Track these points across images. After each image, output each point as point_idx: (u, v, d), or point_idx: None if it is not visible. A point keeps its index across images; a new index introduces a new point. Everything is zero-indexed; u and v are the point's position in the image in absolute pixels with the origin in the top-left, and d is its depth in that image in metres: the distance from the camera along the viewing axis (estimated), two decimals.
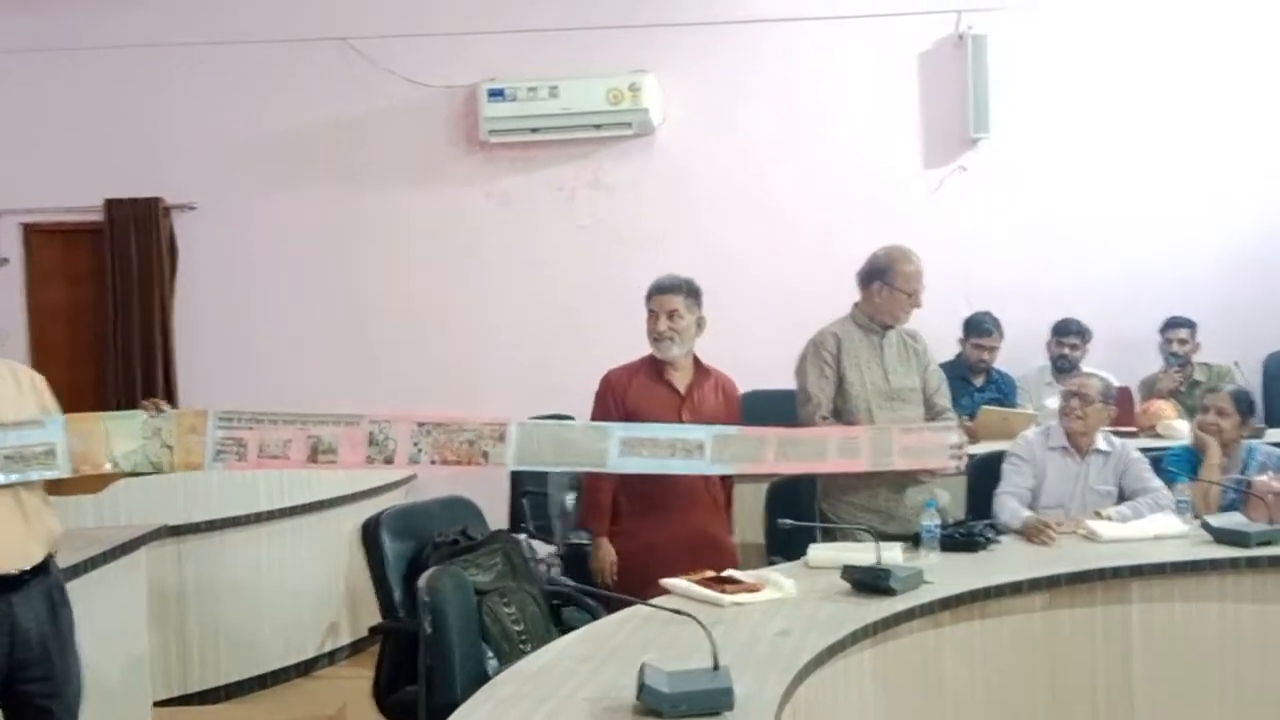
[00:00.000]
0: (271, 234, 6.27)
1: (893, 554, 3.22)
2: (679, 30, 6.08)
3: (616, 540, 3.66)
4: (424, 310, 6.21)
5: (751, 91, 6.11)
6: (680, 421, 3.54)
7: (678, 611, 2.50)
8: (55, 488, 2.81)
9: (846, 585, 3.06)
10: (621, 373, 3.72)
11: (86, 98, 6.26)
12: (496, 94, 5.93)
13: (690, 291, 3.68)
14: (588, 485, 3.80)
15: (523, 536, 3.78)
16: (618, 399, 3.61)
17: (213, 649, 4.65)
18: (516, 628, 3.23)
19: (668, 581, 3.09)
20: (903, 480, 3.63)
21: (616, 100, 5.88)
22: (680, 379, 3.70)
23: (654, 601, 2.76)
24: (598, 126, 6.00)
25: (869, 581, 3.03)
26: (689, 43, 6.08)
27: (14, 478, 2.64)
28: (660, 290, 3.67)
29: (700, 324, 3.69)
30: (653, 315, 3.66)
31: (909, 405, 3.72)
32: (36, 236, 6.41)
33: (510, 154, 6.16)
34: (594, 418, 3.63)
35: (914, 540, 3.43)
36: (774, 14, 6.07)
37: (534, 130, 6.01)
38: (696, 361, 3.73)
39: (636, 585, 3.10)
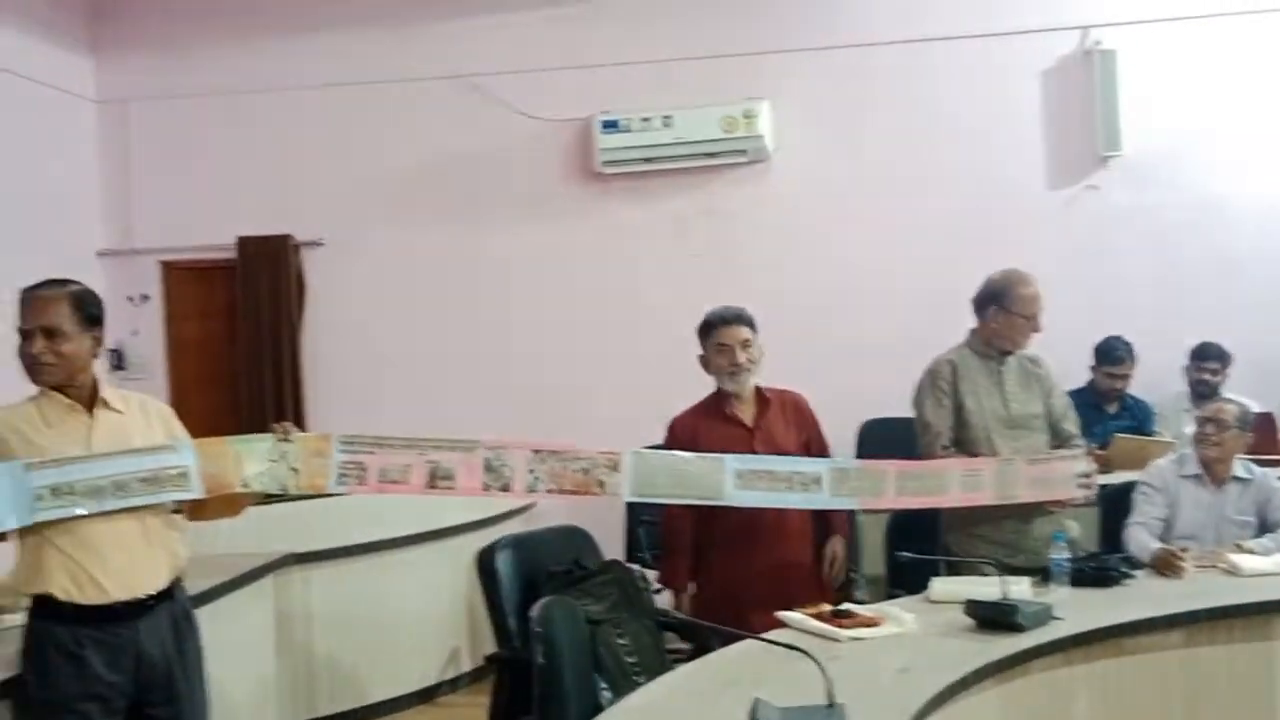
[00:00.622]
0: (394, 267, 6.41)
1: (1020, 588, 3.11)
2: (793, 56, 6.05)
3: (703, 577, 3.59)
4: (541, 341, 6.26)
5: (868, 115, 6.04)
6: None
7: (792, 647, 2.44)
8: (198, 512, 2.91)
9: (970, 621, 2.97)
10: (687, 417, 3.66)
11: (222, 141, 6.51)
12: (610, 125, 5.98)
13: (752, 320, 3.63)
14: (666, 544, 3.72)
15: (636, 566, 3.74)
16: (686, 446, 3.48)
17: (338, 675, 4.73)
18: (630, 659, 3.21)
19: (782, 615, 3.04)
20: (1030, 511, 3.50)
21: (730, 128, 5.87)
22: (746, 412, 3.62)
23: (768, 635, 2.70)
24: (712, 155, 6.00)
25: (994, 617, 2.93)
26: (803, 68, 6.04)
27: (150, 499, 2.74)
28: (727, 322, 3.60)
29: (761, 351, 3.64)
30: (724, 349, 3.57)
31: (1032, 433, 3.60)
32: (175, 274, 6.67)
33: (625, 185, 6.20)
34: None
35: (1042, 574, 3.31)
36: (890, 36, 5.99)
37: (648, 160, 6.03)
38: (757, 390, 3.65)
39: (729, 622, 3.05)
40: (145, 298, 6.62)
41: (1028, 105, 5.95)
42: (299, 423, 6.21)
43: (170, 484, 2.78)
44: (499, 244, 6.32)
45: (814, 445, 3.67)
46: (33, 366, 2.68)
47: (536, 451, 3.13)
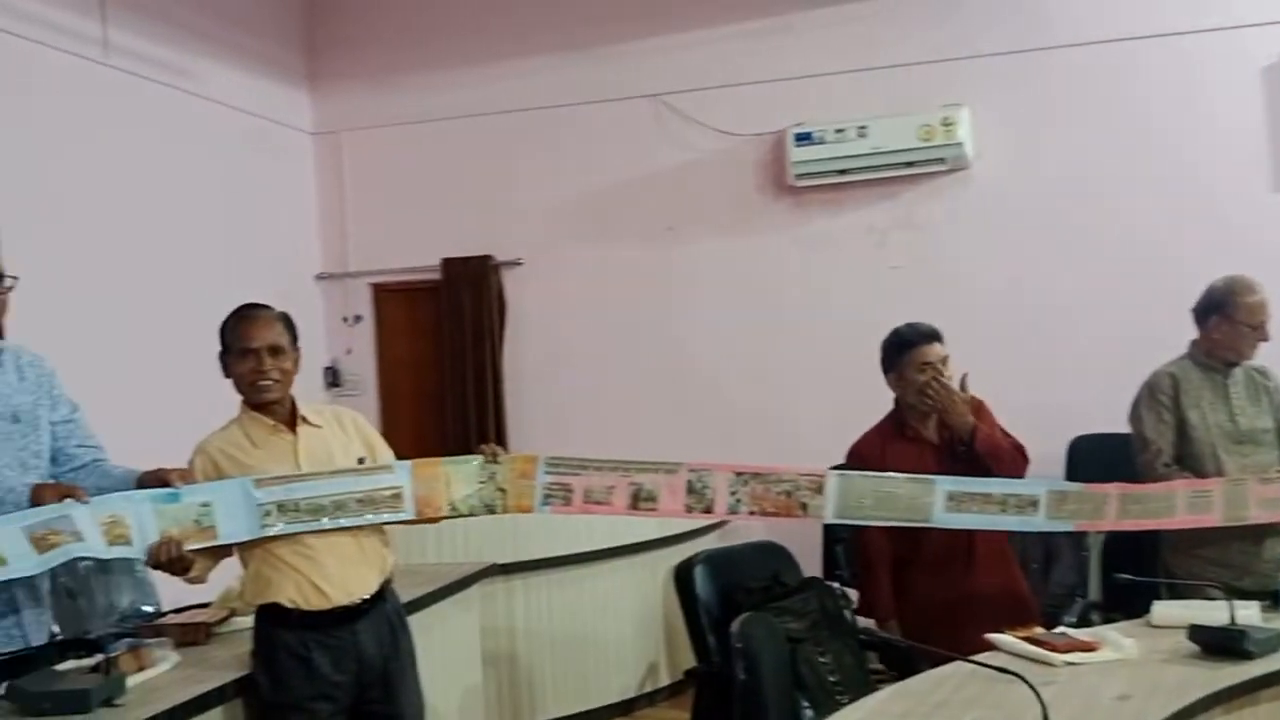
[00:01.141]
0: (590, 285, 6.53)
1: (1249, 613, 2.92)
2: (992, 60, 5.87)
3: (902, 599, 3.49)
4: (737, 357, 6.27)
5: (1074, 118, 5.80)
6: (950, 472, 3.36)
7: (1003, 670, 2.36)
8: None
9: (1195, 647, 2.81)
10: (870, 442, 3.56)
11: (426, 167, 6.77)
12: (804, 138, 5.94)
13: (942, 337, 3.51)
14: (865, 569, 3.62)
15: (836, 585, 3.70)
16: (874, 469, 3.37)
17: (539, 685, 4.85)
18: (832, 678, 3.17)
19: (993, 637, 2.94)
20: (1261, 532, 3.29)
21: (928, 137, 5.74)
22: (930, 429, 3.51)
23: (979, 658, 2.62)
24: (909, 164, 5.87)
25: (1221, 643, 2.76)
26: (1003, 72, 5.85)
27: (365, 519, 2.86)
28: (926, 339, 3.50)
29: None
30: (926, 368, 3.46)
31: (1261, 449, 3.38)
32: (384, 295, 6.97)
33: (819, 197, 6.14)
34: None
35: (1273, 598, 3.10)
36: (1093, 36, 5.74)
37: (842, 172, 5.96)
38: None
39: (930, 644, 2.96)
40: (358, 318, 6.95)
41: (1247, 103, 5.59)
42: (500, 438, 6.40)
43: (385, 505, 2.89)
44: (692, 261, 6.36)
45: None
46: (257, 384, 2.83)
47: (739, 473, 3.12)
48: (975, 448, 3.38)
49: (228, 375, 2.90)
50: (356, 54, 6.88)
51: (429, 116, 6.71)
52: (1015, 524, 3.22)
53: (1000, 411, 3.57)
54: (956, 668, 2.67)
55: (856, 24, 6.07)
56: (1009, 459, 3.40)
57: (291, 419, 2.90)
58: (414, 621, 3.15)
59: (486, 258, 6.63)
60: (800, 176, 6.02)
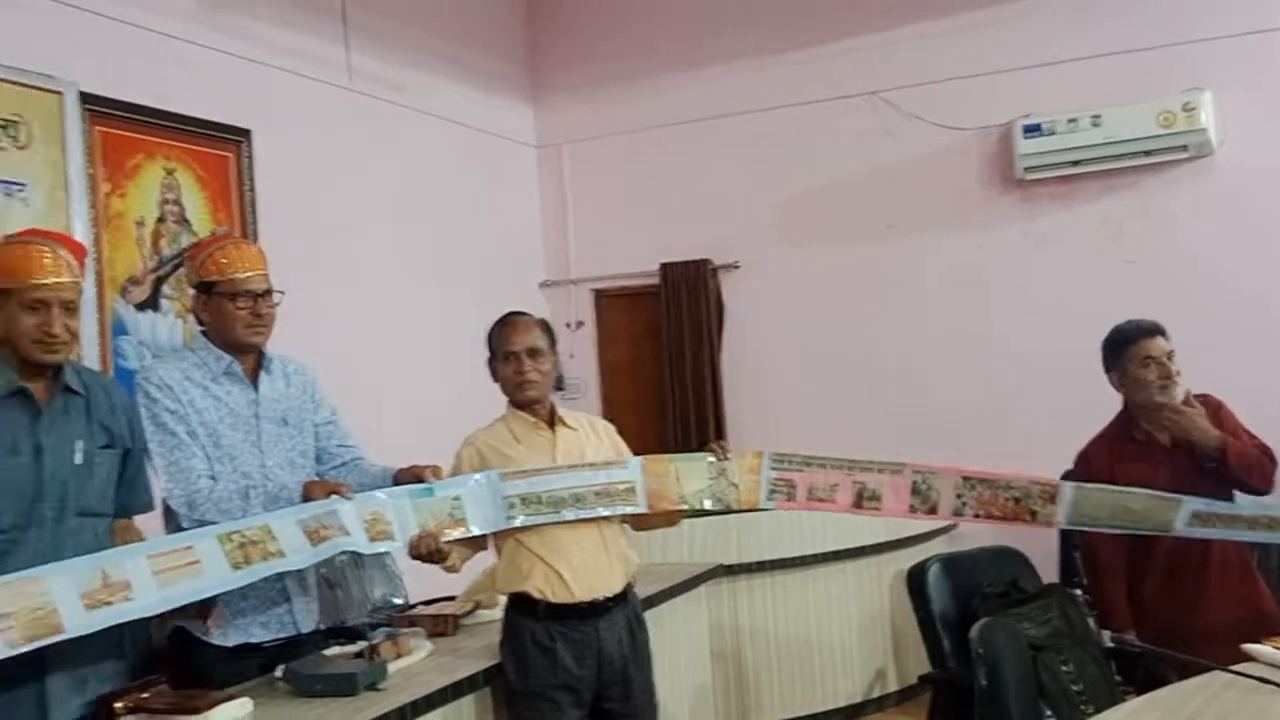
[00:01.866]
0: (809, 287, 6.51)
1: None
2: (1237, 41, 5.53)
3: (1137, 609, 3.34)
4: (960, 356, 6.12)
5: None
6: (1188, 479, 3.15)
7: (1265, 680, 2.24)
8: (641, 523, 3.11)
9: None
10: (1099, 446, 3.40)
11: (644, 174, 6.90)
12: (1033, 129, 5.74)
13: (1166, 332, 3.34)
14: (1095, 577, 3.46)
15: (1078, 591, 3.57)
16: (1104, 479, 3.22)
17: (766, 686, 4.87)
18: (1075, 687, 3.07)
19: (1250, 648, 2.78)
20: None
21: (1168, 123, 5.46)
22: (1162, 433, 3.33)
23: (1239, 668, 2.49)
24: (1147, 153, 5.60)
25: None
26: (1250, 53, 5.51)
27: (601, 511, 2.96)
28: (1148, 333, 3.34)
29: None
30: (1151, 363, 3.32)
31: None
32: (605, 300, 7.14)
33: (1048, 190, 5.93)
34: None
35: None
36: None
37: (1075, 163, 5.74)
38: None
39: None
40: (580, 324, 7.14)
41: None
42: (719, 439, 6.44)
43: (620, 499, 2.99)
44: (914, 259, 6.25)
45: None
46: (521, 385, 2.99)
47: (966, 477, 3.07)
48: (1228, 463, 3.21)
49: (495, 379, 3.06)
50: (575, 68, 7.07)
51: (646, 125, 6.84)
52: (1262, 537, 3.06)
53: (1252, 425, 3.38)
54: (1210, 679, 2.55)
55: (1083, 9, 5.84)
56: (1261, 468, 3.23)
57: (551, 419, 3.04)
58: (648, 617, 3.23)
59: (704, 261, 6.70)
60: (1029, 170, 5.83)
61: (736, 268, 6.71)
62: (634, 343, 7.08)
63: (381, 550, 2.87)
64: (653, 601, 3.62)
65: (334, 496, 2.77)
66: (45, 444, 2.51)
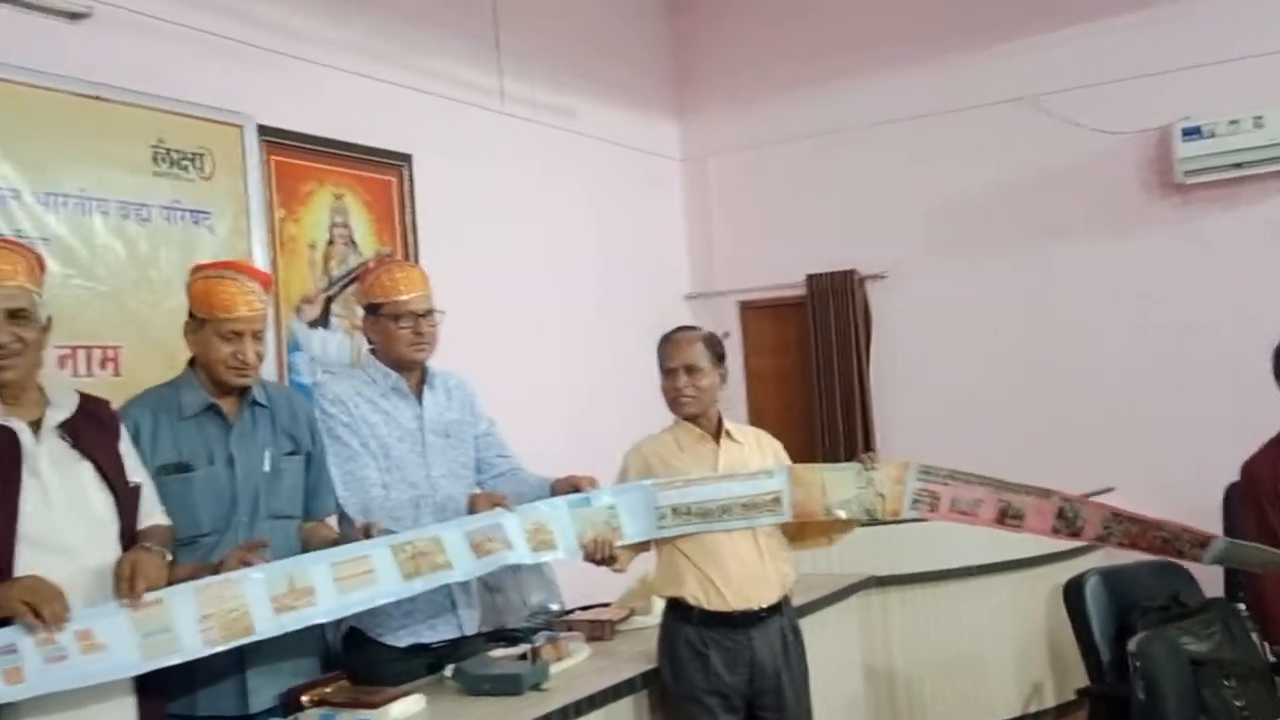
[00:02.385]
0: (959, 296, 6.45)
1: None
2: None
3: None
4: (1117, 366, 5.98)
5: None
6: None
7: None
8: (797, 540, 3.17)
9: None
10: (1265, 460, 3.25)
11: (788, 186, 6.94)
12: (1192, 132, 5.58)
13: None
14: (1263, 603, 3.29)
15: (1242, 606, 3.47)
16: (1271, 494, 3.11)
17: (918, 699, 4.84)
18: (1238, 702, 2.99)
19: None
20: None
21: None
22: None
23: None
24: None
25: None
26: None
27: (747, 523, 3.02)
28: None
29: None
30: None
31: None
32: (751, 312, 7.20)
33: (1209, 194, 5.75)
34: (1249, 522, 3.22)
35: None
36: None
37: (1236, 165, 5.56)
38: None
39: None
40: (726, 335, 7.16)
41: None
42: (868, 450, 6.41)
43: (765, 509, 3.04)
44: (1068, 266, 6.13)
45: None
46: (676, 400, 3.08)
47: (1115, 514, 3.02)
48: None
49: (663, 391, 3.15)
50: (720, 83, 7.16)
51: (790, 136, 6.88)
52: None
53: None
54: None
55: (1245, 8, 5.65)
56: None
57: (717, 431, 3.11)
58: (801, 625, 3.28)
59: (850, 272, 6.70)
60: (1189, 173, 5.67)
61: (884, 278, 6.68)
62: (780, 354, 7.11)
63: (544, 559, 2.99)
64: (802, 611, 3.65)
65: (498, 509, 2.91)
66: (237, 454, 2.71)
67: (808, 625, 3.61)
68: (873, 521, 3.17)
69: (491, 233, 5.59)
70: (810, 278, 6.83)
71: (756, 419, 7.02)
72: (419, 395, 3.16)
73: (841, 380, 6.72)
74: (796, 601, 3.59)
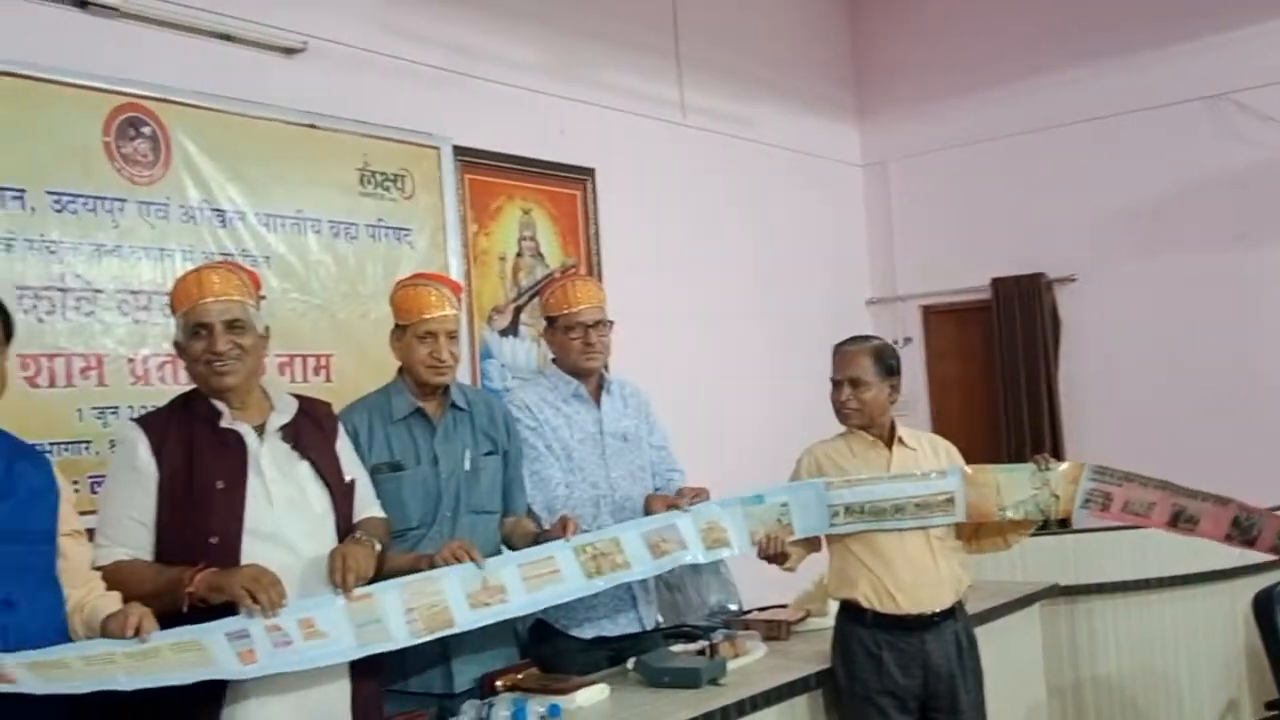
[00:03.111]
0: (1151, 299, 6.25)
1: None
2: None
3: None
4: None
5: None
6: None
7: None
8: (973, 544, 3.20)
9: None
10: None
11: (971, 189, 6.85)
12: None
13: None
14: None
15: None
16: None
17: (1106, 712, 4.72)
18: None
19: None
20: None
21: None
22: None
23: None
24: None
25: None
26: None
27: (919, 523, 3.06)
28: None
29: None
30: None
31: None
32: (933, 317, 7.13)
33: None
34: None
35: None
36: None
37: None
38: None
39: None
40: (908, 340, 7.16)
41: None
42: (1057, 456, 6.27)
43: (938, 509, 3.08)
44: (1268, 268, 5.86)
45: None
46: (840, 411, 3.16)
47: None
48: None
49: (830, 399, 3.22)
50: (900, 86, 7.13)
51: (974, 138, 6.79)
52: None
53: None
54: None
55: None
56: None
57: (890, 438, 3.17)
58: (980, 632, 3.29)
59: (1038, 275, 6.57)
60: None
61: (1073, 281, 6.53)
62: (964, 359, 7.02)
63: (719, 558, 3.11)
64: (982, 618, 3.65)
65: (673, 510, 3.04)
66: (440, 453, 2.94)
67: (987, 632, 3.62)
68: (1045, 522, 3.17)
69: (672, 242, 5.74)
70: (995, 281, 6.72)
71: (940, 426, 6.95)
72: (598, 401, 3.34)
73: (1029, 387, 6.59)
74: (976, 608, 3.60)
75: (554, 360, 3.39)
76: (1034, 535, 3.60)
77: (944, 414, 7.03)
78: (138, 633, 2.19)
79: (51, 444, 3.35)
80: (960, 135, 6.84)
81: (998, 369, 6.73)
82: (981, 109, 6.77)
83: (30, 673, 2.00)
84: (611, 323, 3.35)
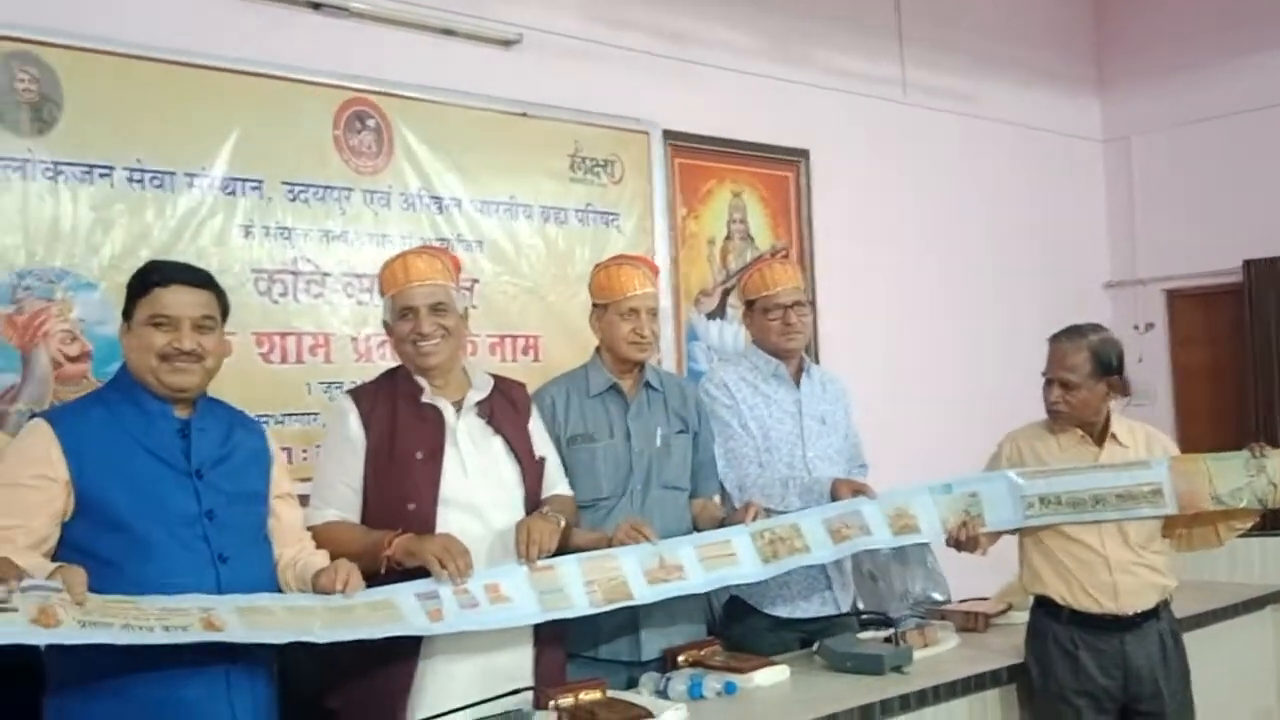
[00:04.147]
0: None
1: None
2: None
3: None
4: None
5: None
6: None
7: None
8: (1182, 541, 3.05)
9: None
10: None
11: (1222, 165, 6.38)
12: None
13: None
14: None
15: None
16: None
17: None
18: None
19: None
20: None
21: None
22: None
23: None
24: None
25: None
26: None
27: (1123, 514, 2.91)
28: None
29: None
30: None
31: None
32: (1178, 301, 6.69)
33: None
34: None
35: None
36: None
37: None
38: None
39: None
40: (1150, 326, 6.76)
41: None
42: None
43: (1144, 500, 2.93)
44: None
45: None
46: (1049, 410, 3.03)
47: None
48: None
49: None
50: (1147, 55, 6.70)
51: (1226, 110, 6.33)
52: None
53: None
54: None
55: None
56: None
57: (1102, 435, 3.03)
58: (1196, 637, 3.11)
59: None
60: None
61: None
62: (1212, 346, 6.58)
63: (905, 542, 3.06)
64: (1204, 620, 3.45)
65: (859, 496, 3.01)
66: (633, 429, 3.04)
67: (1210, 635, 3.42)
68: (1263, 511, 2.96)
69: (888, 224, 5.62)
70: (1248, 264, 6.24)
71: (1183, 418, 6.56)
72: (797, 383, 3.35)
73: None
74: (1196, 609, 3.40)
75: (754, 342, 3.44)
76: (1263, 535, 3.37)
77: (1188, 405, 6.60)
78: (345, 588, 2.36)
79: (283, 415, 3.64)
80: (1212, 107, 6.38)
81: (1249, 357, 6.25)
82: (1235, 78, 6.30)
83: (237, 618, 2.18)
84: (811, 303, 3.36)
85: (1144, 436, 3.06)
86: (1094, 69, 6.91)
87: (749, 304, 3.39)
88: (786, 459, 3.25)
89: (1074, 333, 3.02)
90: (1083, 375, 2.94)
